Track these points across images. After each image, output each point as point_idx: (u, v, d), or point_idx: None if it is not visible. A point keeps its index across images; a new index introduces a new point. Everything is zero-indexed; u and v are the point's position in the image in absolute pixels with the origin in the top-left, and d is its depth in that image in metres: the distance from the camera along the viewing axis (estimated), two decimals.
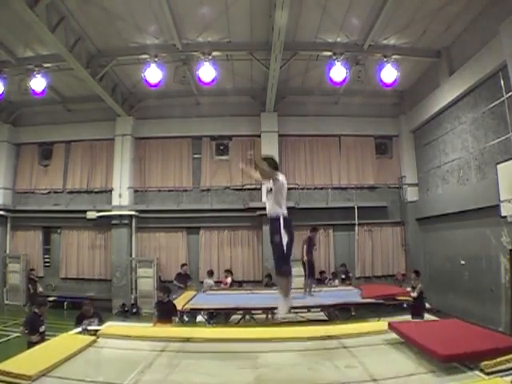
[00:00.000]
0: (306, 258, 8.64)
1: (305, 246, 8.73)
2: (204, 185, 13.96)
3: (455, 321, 3.88)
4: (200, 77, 10.48)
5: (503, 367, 2.48)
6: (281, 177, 4.13)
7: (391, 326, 3.37)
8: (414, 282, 8.42)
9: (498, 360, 2.51)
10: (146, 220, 13.49)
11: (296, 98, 13.69)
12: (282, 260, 3.90)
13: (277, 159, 4.49)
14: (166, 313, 6.62)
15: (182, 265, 12.40)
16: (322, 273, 12.71)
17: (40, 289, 12.66)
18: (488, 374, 2.45)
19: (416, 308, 7.73)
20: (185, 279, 11.70)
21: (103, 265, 13.71)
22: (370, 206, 13.25)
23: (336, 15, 9.52)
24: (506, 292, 8.70)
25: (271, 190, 4.07)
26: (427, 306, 11.35)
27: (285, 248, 3.84)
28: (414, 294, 7.91)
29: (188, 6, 9.09)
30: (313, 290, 8.67)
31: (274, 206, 3.99)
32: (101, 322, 5.88)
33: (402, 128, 13.89)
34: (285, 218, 3.95)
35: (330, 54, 10.58)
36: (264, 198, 13.13)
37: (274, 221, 3.97)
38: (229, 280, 11.90)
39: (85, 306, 6.50)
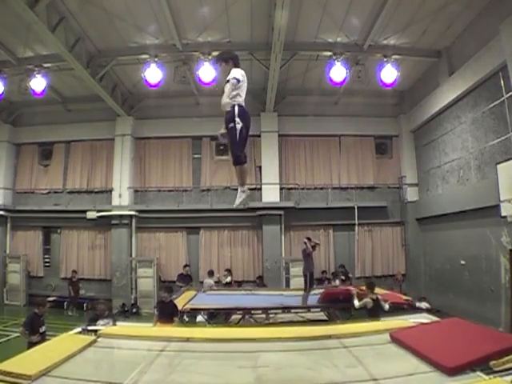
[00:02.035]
0: (307, 271, 8.51)
1: (303, 262, 8.63)
2: (204, 185, 13.97)
3: (456, 320, 3.87)
4: (200, 77, 10.48)
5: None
6: (234, 71, 4.10)
7: (393, 337, 3.36)
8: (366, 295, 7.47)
9: (507, 359, 2.51)
10: (146, 220, 13.49)
11: (296, 98, 13.69)
12: (236, 147, 3.90)
13: (233, 53, 4.47)
14: (167, 313, 6.58)
15: (185, 266, 12.43)
16: (323, 272, 12.73)
17: (82, 291, 12.67)
18: (497, 372, 2.45)
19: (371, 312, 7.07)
20: (187, 280, 11.73)
21: (103, 265, 13.71)
22: (369, 206, 13.26)
23: (336, 15, 9.53)
24: (506, 292, 8.70)
25: (227, 81, 4.04)
26: (427, 306, 11.40)
27: (238, 134, 3.83)
28: (357, 304, 7.15)
29: (188, 6, 9.09)
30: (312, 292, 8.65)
31: (230, 96, 3.97)
32: (114, 323, 5.77)
33: (402, 128, 13.89)
34: (240, 106, 3.93)
35: (329, 54, 10.59)
36: (265, 198, 13.16)
37: (229, 111, 3.95)
38: (228, 279, 11.97)
39: (100, 306, 6.34)
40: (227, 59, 4.32)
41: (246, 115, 3.97)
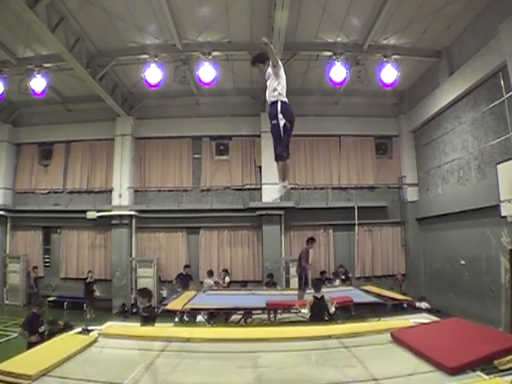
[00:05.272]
0: (302, 270, 8.41)
1: (301, 260, 8.50)
2: (204, 185, 13.96)
3: (457, 320, 3.87)
4: (200, 77, 10.48)
5: None
6: (279, 62, 4.15)
7: (393, 337, 3.35)
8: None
9: (510, 357, 2.51)
10: (145, 220, 13.50)
11: (296, 98, 13.56)
12: (280, 144, 3.94)
13: (265, 52, 4.36)
14: (146, 319, 5.82)
15: (185, 266, 12.42)
16: (322, 273, 12.70)
17: (97, 293, 12.34)
18: (500, 371, 2.44)
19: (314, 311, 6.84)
20: (187, 280, 11.72)
21: (103, 265, 13.71)
22: (369, 206, 13.26)
23: (336, 15, 9.52)
24: (506, 292, 8.70)
25: (269, 75, 4.13)
26: (427, 306, 11.41)
27: (281, 131, 3.86)
28: (305, 312, 6.88)
29: (188, 6, 9.09)
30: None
31: (272, 90, 4.06)
32: None
33: (402, 128, 13.89)
34: (283, 103, 3.98)
35: (330, 54, 10.59)
36: (265, 198, 13.18)
37: (272, 105, 4.02)
38: (226, 279, 11.97)
39: (52, 325, 6.08)
40: (264, 60, 4.34)
41: (290, 111, 4.02)
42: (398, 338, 3.30)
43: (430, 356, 2.76)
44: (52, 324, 6.18)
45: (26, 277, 13.59)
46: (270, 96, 4.12)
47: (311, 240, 8.90)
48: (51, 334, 5.70)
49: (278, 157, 4.03)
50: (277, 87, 4.05)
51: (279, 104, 3.95)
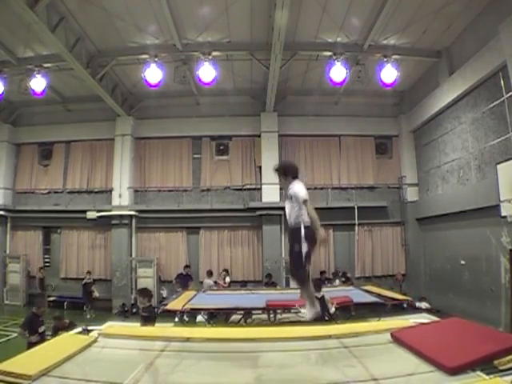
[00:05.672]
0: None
1: None
2: (204, 185, 13.97)
3: (457, 320, 3.86)
4: (200, 77, 10.49)
5: None
6: (296, 187, 3.98)
7: (394, 337, 3.35)
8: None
9: (510, 357, 2.50)
10: (145, 220, 13.50)
11: (296, 98, 13.69)
12: (299, 268, 3.82)
13: (292, 165, 4.30)
14: (146, 319, 5.81)
15: (185, 266, 12.42)
16: (322, 273, 12.68)
17: (96, 293, 12.37)
18: (500, 371, 2.44)
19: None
20: (187, 280, 11.73)
21: (103, 265, 13.72)
22: (369, 206, 13.26)
23: (336, 15, 9.53)
24: (506, 292, 8.70)
25: (291, 197, 3.97)
26: (427, 306, 11.41)
27: (304, 256, 3.75)
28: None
29: (188, 6, 9.10)
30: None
31: (295, 215, 3.93)
32: None
33: (402, 128, 13.89)
34: (306, 227, 3.85)
35: (330, 54, 10.59)
36: (265, 198, 13.18)
37: (295, 230, 3.90)
38: (227, 279, 11.96)
39: (58, 320, 6.24)
40: (286, 174, 4.18)
41: (313, 234, 3.89)
42: (398, 338, 3.30)
43: (430, 356, 2.76)
44: (58, 320, 6.26)
45: (27, 277, 13.63)
46: (292, 220, 3.98)
47: None
48: (56, 330, 5.84)
49: (300, 283, 3.90)
50: (299, 214, 3.93)
51: (303, 229, 3.81)
